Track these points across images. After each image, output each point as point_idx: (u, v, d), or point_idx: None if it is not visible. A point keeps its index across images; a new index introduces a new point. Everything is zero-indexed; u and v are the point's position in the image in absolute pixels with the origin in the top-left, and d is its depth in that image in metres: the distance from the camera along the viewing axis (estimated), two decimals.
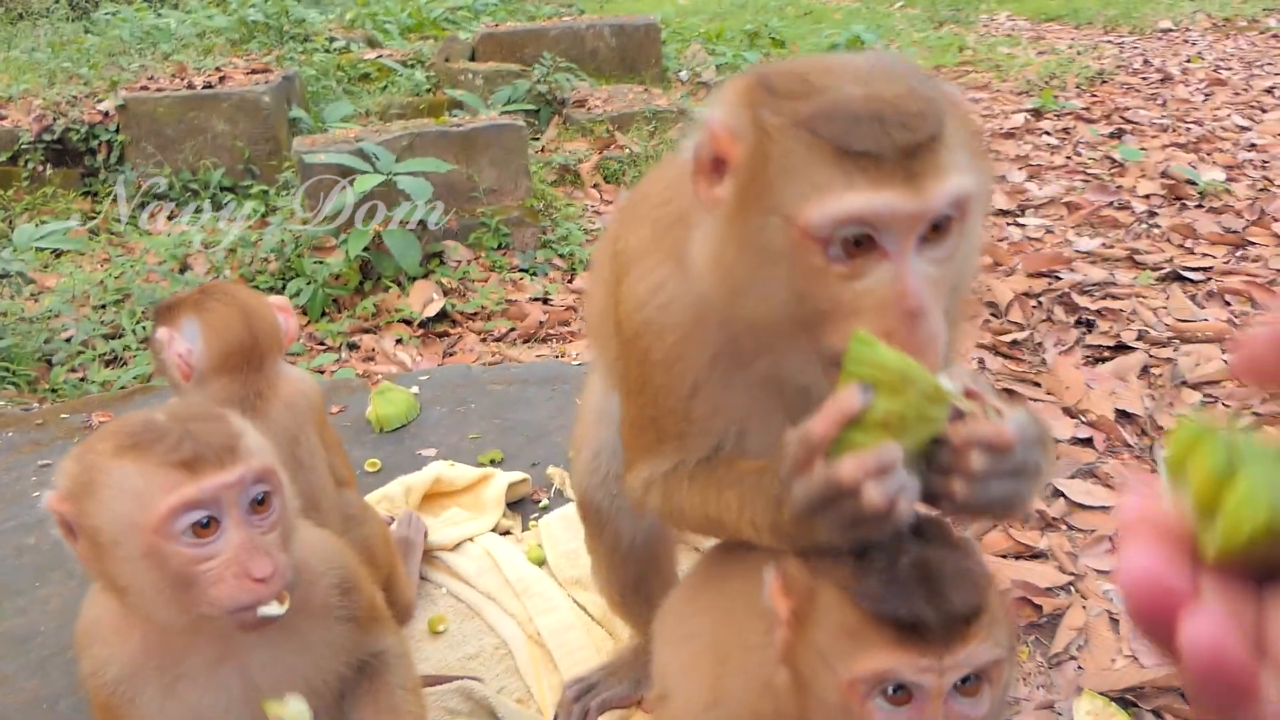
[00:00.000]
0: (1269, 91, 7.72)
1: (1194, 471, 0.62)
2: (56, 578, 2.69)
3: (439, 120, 5.79)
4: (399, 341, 4.50)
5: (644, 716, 2.19)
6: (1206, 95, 7.72)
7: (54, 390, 4.20)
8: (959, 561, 1.20)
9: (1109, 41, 10.09)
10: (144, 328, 4.58)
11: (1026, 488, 1.22)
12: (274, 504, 1.44)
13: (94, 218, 6.13)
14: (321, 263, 4.86)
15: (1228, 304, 4.21)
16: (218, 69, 7.28)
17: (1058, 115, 7.29)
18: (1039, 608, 2.55)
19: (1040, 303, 4.31)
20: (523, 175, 5.52)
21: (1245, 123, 6.89)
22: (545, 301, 4.86)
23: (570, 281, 5.09)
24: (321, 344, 4.54)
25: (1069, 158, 6.39)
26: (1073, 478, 3.08)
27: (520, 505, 2.95)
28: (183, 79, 7.01)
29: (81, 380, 4.28)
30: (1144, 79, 8.34)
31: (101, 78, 7.23)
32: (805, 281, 1.15)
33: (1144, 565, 0.60)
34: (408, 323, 4.64)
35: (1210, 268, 4.54)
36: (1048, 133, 6.94)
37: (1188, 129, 6.78)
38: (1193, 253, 4.77)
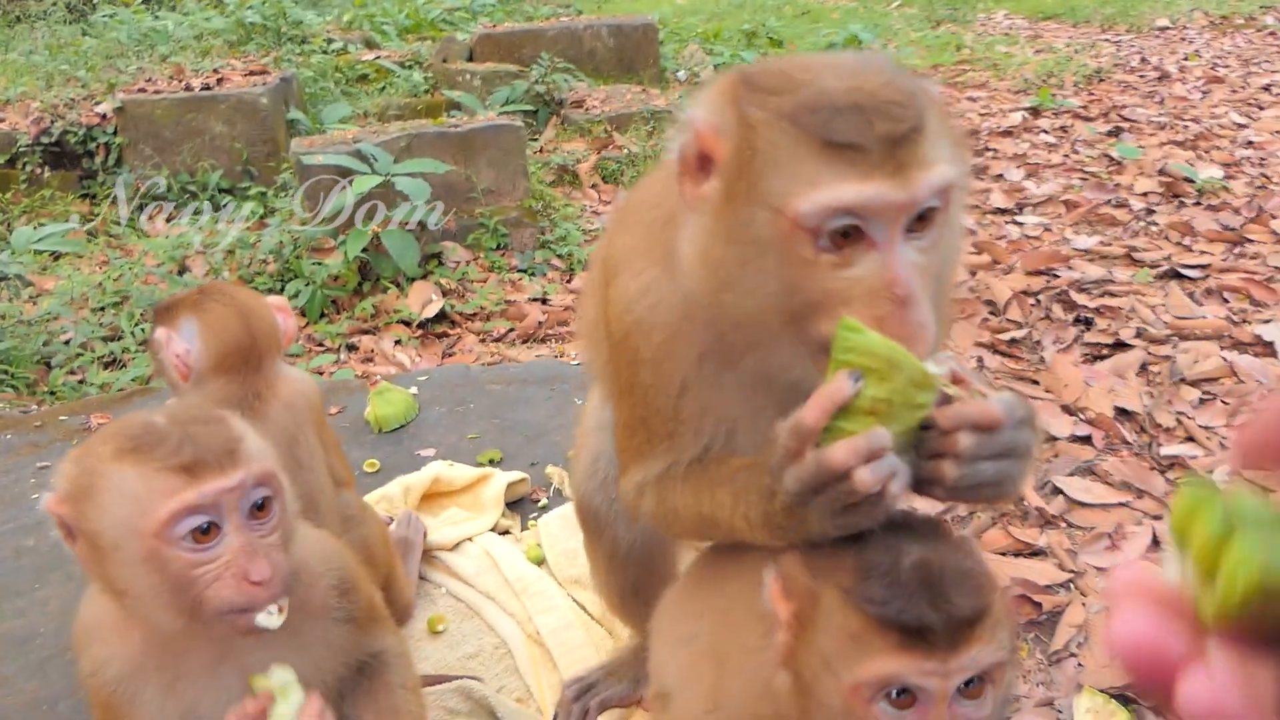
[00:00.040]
0: (1266, 89, 7.72)
1: (1194, 537, 0.63)
2: (55, 579, 2.68)
3: (437, 121, 5.79)
4: (398, 342, 4.50)
5: (644, 715, 2.19)
6: (1204, 93, 7.72)
7: (53, 393, 4.20)
8: (961, 562, 1.20)
9: (1106, 40, 10.09)
10: (143, 330, 4.58)
11: (1016, 469, 1.23)
12: (274, 508, 1.43)
13: (92, 220, 6.12)
14: (320, 264, 4.86)
15: (1226, 301, 4.22)
16: (215, 71, 7.28)
17: (1055, 113, 7.29)
18: (1039, 605, 2.55)
19: (1039, 301, 4.31)
20: (521, 176, 5.52)
21: (1243, 120, 6.89)
22: (544, 302, 4.86)
23: (569, 282, 5.09)
24: (320, 345, 4.54)
25: (1067, 156, 6.39)
26: (1072, 475, 3.08)
27: (519, 505, 2.95)
28: (180, 81, 7.01)
29: (80, 383, 4.28)
30: (1141, 77, 8.35)
31: (99, 80, 7.23)
32: (794, 273, 1.17)
33: (1135, 629, 0.61)
34: (406, 324, 4.64)
35: (1208, 265, 4.54)
36: (1045, 131, 6.94)
37: (1185, 127, 6.78)
38: (1191, 250, 4.77)
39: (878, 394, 1.14)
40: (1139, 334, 3.94)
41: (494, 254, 5.23)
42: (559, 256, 5.30)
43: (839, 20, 11.38)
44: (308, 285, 4.75)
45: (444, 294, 4.80)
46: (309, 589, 1.58)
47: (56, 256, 5.64)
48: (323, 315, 4.74)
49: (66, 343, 4.54)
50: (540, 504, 2.94)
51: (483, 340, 4.56)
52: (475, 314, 4.73)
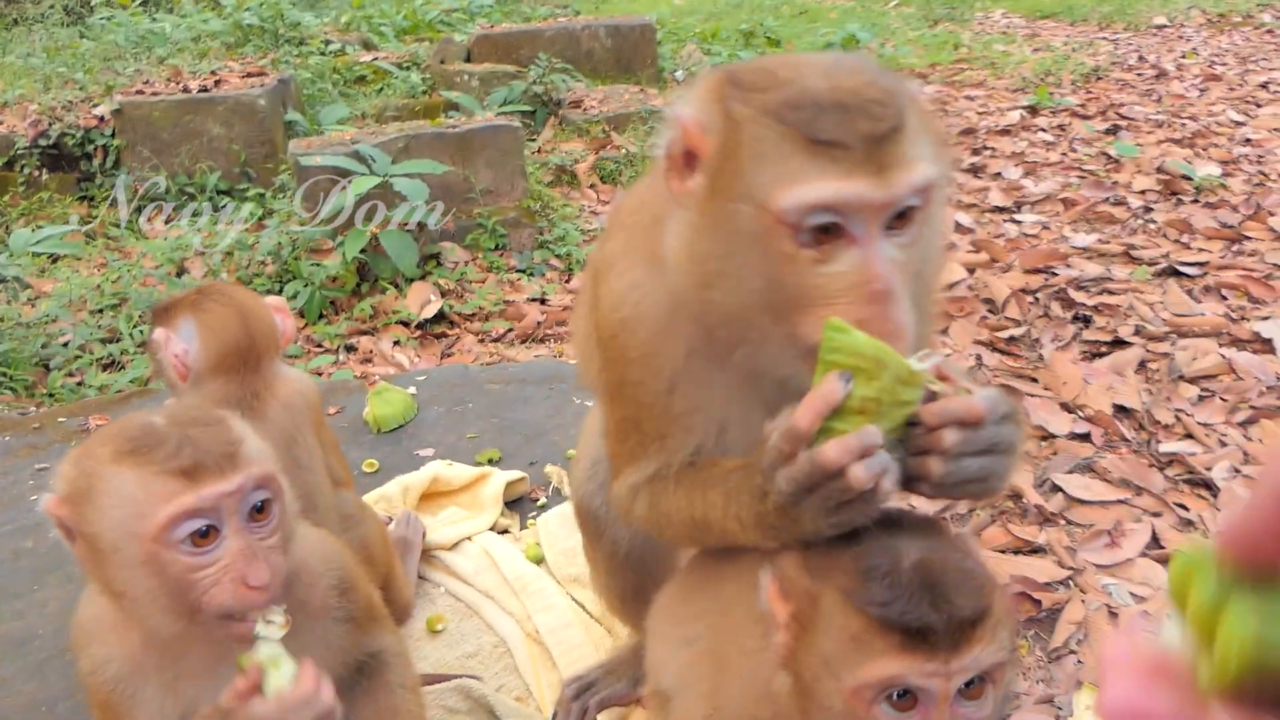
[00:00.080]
0: (1264, 86, 7.72)
1: (1190, 603, 0.64)
2: (54, 581, 2.68)
3: (435, 122, 5.79)
4: (397, 343, 4.50)
5: (642, 714, 2.18)
6: (1201, 91, 7.73)
7: (51, 395, 4.20)
8: (960, 562, 1.21)
9: (1104, 38, 10.10)
10: (141, 331, 4.58)
11: (1001, 464, 1.25)
12: (274, 510, 1.43)
13: (90, 222, 6.12)
14: (319, 265, 4.86)
15: (1224, 298, 4.22)
16: (213, 73, 7.28)
17: (1053, 112, 7.29)
18: (1038, 602, 2.55)
19: (1037, 299, 4.31)
20: (519, 176, 5.52)
21: (1240, 118, 6.89)
22: (542, 302, 4.86)
23: (567, 282, 5.09)
24: (319, 346, 4.54)
25: (1065, 154, 6.39)
26: (1071, 472, 3.08)
27: (518, 504, 2.95)
28: (178, 83, 7.01)
29: (79, 385, 4.27)
30: (1139, 75, 8.35)
31: (97, 82, 7.23)
32: (776, 267, 1.19)
33: (1125, 698, 0.62)
34: (405, 324, 4.64)
35: (1206, 262, 4.54)
36: (1043, 129, 6.94)
37: (1183, 124, 6.78)
38: (1189, 247, 4.77)
39: (866, 393, 1.16)
40: (1137, 331, 3.94)
41: (492, 254, 5.23)
42: (557, 256, 5.30)
43: (837, 20, 11.38)
44: (306, 286, 4.75)
45: (442, 294, 4.79)
46: (309, 588, 1.58)
47: (55, 259, 5.63)
48: (321, 316, 4.74)
49: (65, 345, 4.53)
50: (539, 503, 2.94)
51: (481, 340, 4.56)
52: (474, 314, 4.73)
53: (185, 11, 9.72)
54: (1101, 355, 3.83)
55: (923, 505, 1.47)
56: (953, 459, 1.20)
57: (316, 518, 1.95)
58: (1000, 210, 5.55)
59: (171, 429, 1.38)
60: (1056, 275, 4.50)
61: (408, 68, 8.38)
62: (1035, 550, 2.77)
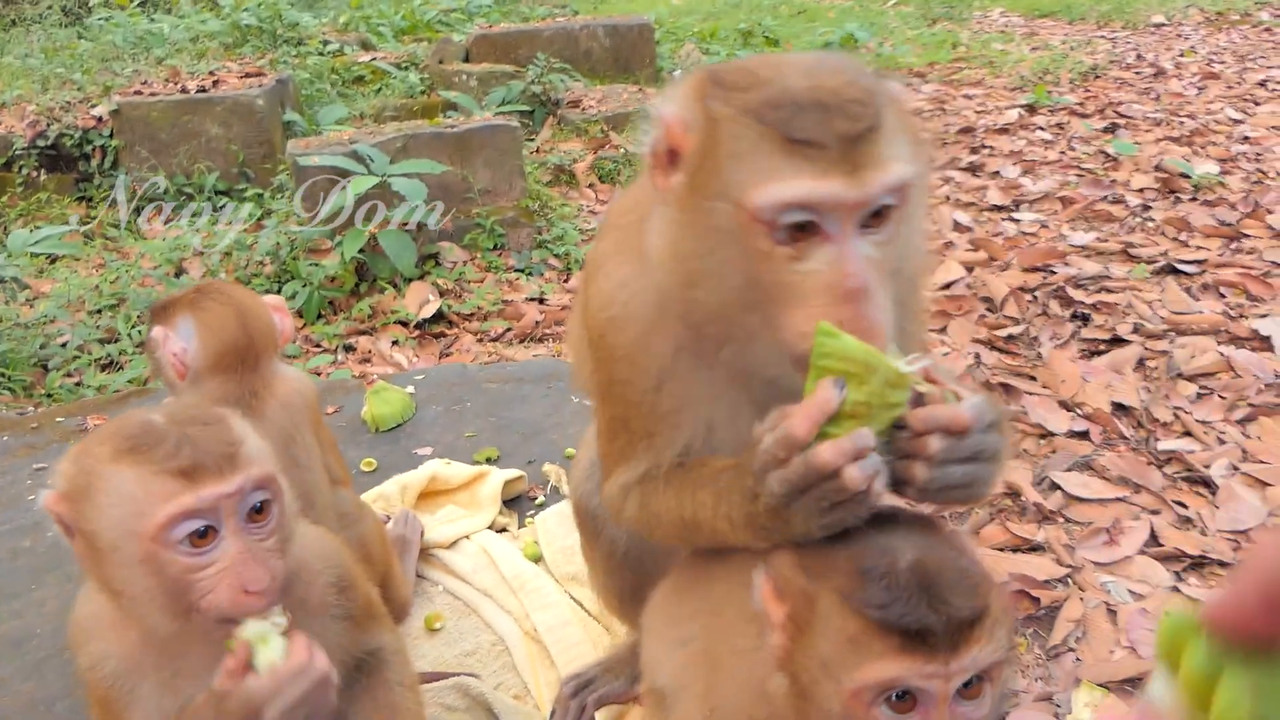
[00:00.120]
0: (1262, 84, 7.73)
1: (1184, 668, 0.65)
2: (52, 580, 2.68)
3: (433, 122, 5.79)
4: (395, 343, 4.50)
5: (640, 712, 2.18)
6: (1200, 89, 7.73)
7: (49, 395, 4.20)
8: (956, 561, 1.21)
9: (1102, 37, 10.10)
10: (139, 332, 4.58)
11: (985, 471, 1.26)
12: (273, 511, 1.43)
13: (89, 223, 6.12)
14: (317, 265, 4.86)
15: (1222, 296, 4.22)
16: (211, 73, 7.28)
17: (1051, 111, 7.29)
18: (1037, 600, 2.55)
19: (1035, 297, 4.31)
20: (517, 176, 5.52)
21: (1238, 116, 6.89)
22: (541, 301, 4.86)
23: (566, 281, 5.09)
24: (317, 346, 4.53)
25: (1063, 153, 6.39)
26: (1069, 470, 3.08)
27: (516, 502, 2.95)
28: (176, 83, 7.01)
29: (77, 385, 4.27)
30: (1137, 74, 8.35)
31: (95, 83, 7.23)
32: (754, 265, 1.21)
33: None
34: (404, 324, 4.64)
35: (1205, 260, 4.54)
36: (1041, 128, 6.94)
37: (1181, 123, 6.78)
38: (1187, 246, 4.77)
39: (857, 397, 1.18)
40: (1136, 329, 3.94)
41: (491, 254, 5.23)
42: (556, 256, 5.30)
43: (835, 19, 11.39)
44: (305, 286, 4.75)
45: (441, 294, 4.79)
46: (307, 586, 1.57)
47: (53, 259, 5.63)
48: (320, 316, 4.74)
49: (63, 345, 4.53)
50: (537, 501, 2.94)
51: (480, 340, 4.56)
52: (472, 314, 4.73)
53: (183, 12, 9.72)
54: (1100, 353, 3.83)
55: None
56: (937, 465, 1.22)
57: (314, 516, 1.95)
58: (999, 209, 5.55)
59: (171, 427, 1.37)
60: (1055, 273, 4.50)
61: (406, 68, 8.38)
62: (1034, 548, 2.77)
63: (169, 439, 1.35)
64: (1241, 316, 3.98)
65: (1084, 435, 3.27)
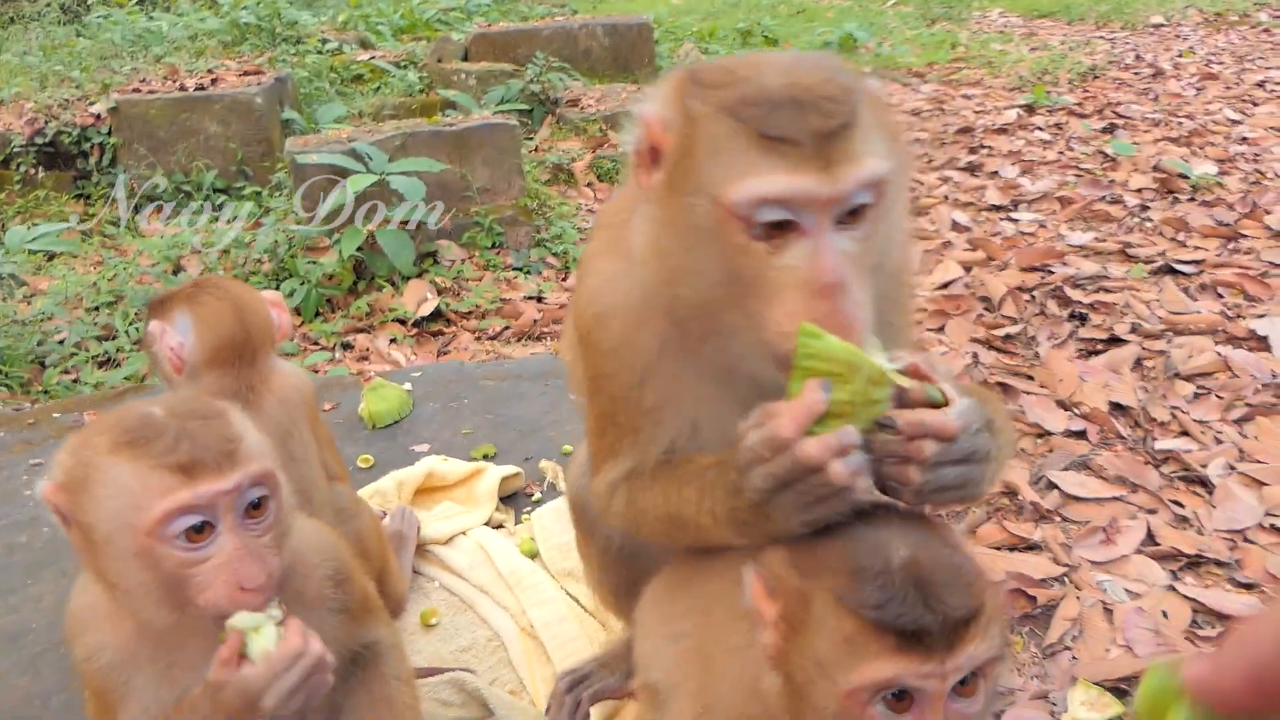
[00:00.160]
0: (1260, 85, 7.73)
1: None
2: (48, 576, 2.68)
3: (432, 120, 5.79)
4: (393, 341, 4.50)
5: (635, 707, 2.18)
6: (1198, 89, 7.73)
7: (46, 392, 4.19)
8: (950, 558, 1.21)
9: (1101, 37, 10.11)
10: (137, 329, 4.58)
11: (979, 472, 1.27)
12: (270, 507, 1.42)
13: (88, 220, 6.12)
14: (315, 263, 4.85)
15: (1220, 296, 4.22)
16: (210, 71, 7.28)
17: (1050, 111, 7.30)
18: (1033, 599, 2.55)
19: (1033, 297, 4.31)
20: (516, 174, 5.52)
21: (1237, 116, 6.90)
22: (539, 300, 4.86)
23: (564, 280, 5.09)
24: (315, 344, 4.53)
25: (1061, 153, 6.40)
26: (1066, 470, 3.08)
27: (513, 499, 2.95)
28: (175, 81, 7.01)
29: (74, 382, 4.27)
30: (1136, 74, 8.36)
31: (93, 81, 7.23)
32: (731, 260, 1.23)
33: None
34: (402, 322, 4.64)
35: (1202, 260, 4.55)
36: (1040, 128, 6.94)
37: (1180, 123, 6.79)
38: (1185, 246, 4.77)
39: (840, 396, 1.19)
40: (1133, 329, 3.94)
41: (489, 252, 5.23)
42: (554, 255, 5.30)
43: (834, 19, 11.39)
44: (303, 284, 4.75)
45: (439, 292, 4.79)
46: (304, 579, 1.57)
47: (51, 256, 5.63)
48: (318, 314, 4.74)
49: (61, 342, 4.53)
50: (534, 498, 2.94)
51: (478, 338, 4.56)
52: (470, 312, 4.73)
53: (182, 10, 9.72)
54: (1098, 353, 3.83)
55: None
56: (930, 468, 1.22)
57: (311, 511, 1.95)
58: (997, 208, 5.55)
59: (170, 421, 1.36)
60: (1053, 273, 4.50)
61: (405, 66, 8.38)
62: (1031, 547, 2.77)
63: (168, 433, 1.34)
64: (1239, 316, 3.98)
65: (1081, 435, 3.27)
